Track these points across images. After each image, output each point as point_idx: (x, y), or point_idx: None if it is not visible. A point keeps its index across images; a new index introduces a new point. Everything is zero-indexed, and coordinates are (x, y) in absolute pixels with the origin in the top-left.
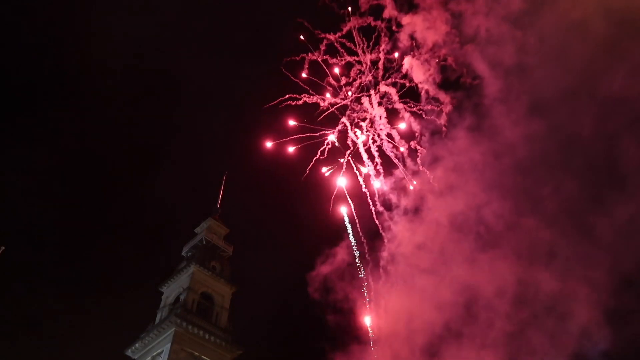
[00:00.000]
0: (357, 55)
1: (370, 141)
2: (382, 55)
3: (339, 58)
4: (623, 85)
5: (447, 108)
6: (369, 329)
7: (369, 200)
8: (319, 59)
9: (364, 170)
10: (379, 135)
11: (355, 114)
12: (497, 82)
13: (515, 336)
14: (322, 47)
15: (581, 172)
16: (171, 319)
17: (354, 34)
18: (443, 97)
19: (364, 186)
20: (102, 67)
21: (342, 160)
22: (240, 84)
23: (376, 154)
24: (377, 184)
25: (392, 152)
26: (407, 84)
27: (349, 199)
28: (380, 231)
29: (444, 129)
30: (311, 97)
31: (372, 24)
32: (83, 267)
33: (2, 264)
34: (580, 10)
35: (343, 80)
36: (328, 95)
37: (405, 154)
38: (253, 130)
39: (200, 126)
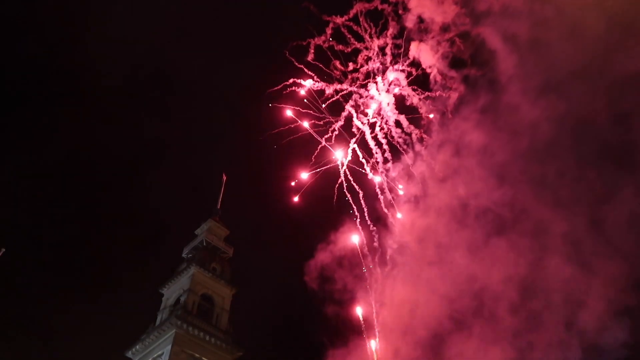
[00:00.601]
0: (364, 41)
1: (377, 128)
2: (389, 41)
3: (345, 45)
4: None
5: (457, 91)
6: (374, 326)
7: (378, 190)
8: (325, 45)
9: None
10: (386, 122)
11: (361, 99)
12: (510, 59)
13: (525, 328)
14: (329, 31)
15: (594, 156)
16: (171, 321)
17: (361, 19)
18: (454, 77)
19: (370, 174)
20: (102, 66)
21: (348, 148)
22: (241, 80)
23: (383, 141)
24: (378, 178)
25: (400, 137)
26: (414, 72)
27: (355, 186)
28: (390, 219)
29: (449, 116)
30: (316, 84)
31: (379, 7)
32: (83, 268)
33: (2, 265)
34: None
35: (350, 67)
36: (333, 82)
37: (415, 140)
38: (254, 128)
39: (200, 126)
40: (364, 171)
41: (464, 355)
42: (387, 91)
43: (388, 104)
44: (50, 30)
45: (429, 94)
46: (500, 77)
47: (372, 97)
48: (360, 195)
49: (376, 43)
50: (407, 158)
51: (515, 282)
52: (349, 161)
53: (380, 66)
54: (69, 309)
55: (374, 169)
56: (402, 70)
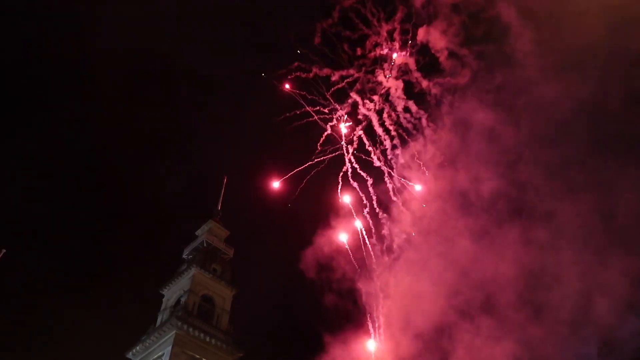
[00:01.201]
0: (371, 26)
1: (385, 114)
2: (397, 25)
3: (352, 31)
4: None
5: (470, 68)
6: (374, 323)
7: (386, 179)
8: (332, 30)
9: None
10: (394, 109)
11: (369, 84)
12: (525, 35)
13: (536, 321)
14: (335, 14)
15: (609, 140)
16: (172, 322)
17: (368, 4)
18: (466, 55)
19: (378, 163)
20: (101, 60)
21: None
22: (245, 64)
23: (391, 128)
24: (379, 168)
25: (409, 123)
26: (423, 58)
27: (363, 174)
28: (398, 206)
29: (458, 98)
30: (322, 69)
31: None
32: (83, 269)
33: (2, 266)
34: None
35: (357, 52)
36: (340, 68)
37: (424, 124)
38: (257, 123)
39: (200, 126)
40: (370, 159)
41: (471, 349)
42: (395, 77)
43: (396, 89)
44: (47, 24)
45: (438, 80)
46: (515, 54)
47: (379, 83)
48: (369, 182)
49: (385, 28)
50: (416, 144)
51: (526, 272)
52: (355, 149)
53: (389, 52)
54: (69, 310)
55: (382, 155)
56: (411, 55)
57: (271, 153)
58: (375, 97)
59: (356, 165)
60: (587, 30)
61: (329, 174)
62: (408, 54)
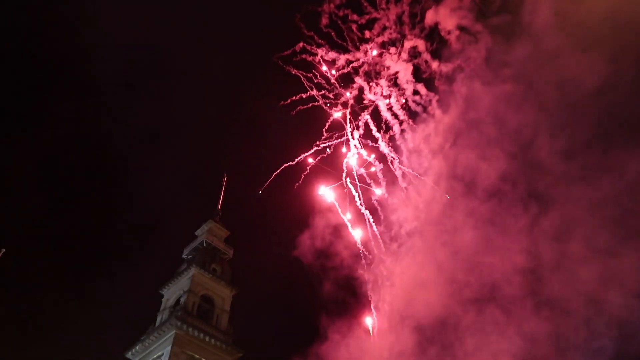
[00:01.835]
0: (378, 9)
1: (393, 100)
2: (406, 7)
3: (359, 15)
4: None
5: (483, 43)
6: (374, 320)
7: (393, 165)
8: (340, 14)
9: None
10: (402, 94)
11: (376, 66)
12: (544, 5)
13: (551, 314)
14: None
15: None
16: (171, 322)
17: None
18: (479, 32)
19: (386, 149)
20: (97, 54)
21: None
22: (248, 47)
23: (399, 113)
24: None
25: (418, 106)
26: (432, 41)
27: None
28: (407, 193)
29: (468, 79)
30: (328, 52)
31: None
32: (82, 269)
33: (1, 266)
34: None
35: (364, 35)
36: (346, 51)
37: (433, 107)
38: (255, 126)
39: (200, 127)
40: (376, 145)
41: (478, 342)
42: (405, 60)
43: (405, 72)
44: (44, 19)
45: (448, 60)
46: (532, 25)
47: (387, 68)
48: (378, 168)
49: (393, 11)
50: (426, 127)
51: (536, 261)
52: (362, 135)
53: (398, 35)
54: (69, 310)
55: (389, 140)
56: (420, 37)
57: (274, 140)
58: (383, 82)
59: (363, 151)
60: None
61: (334, 162)
62: (417, 36)
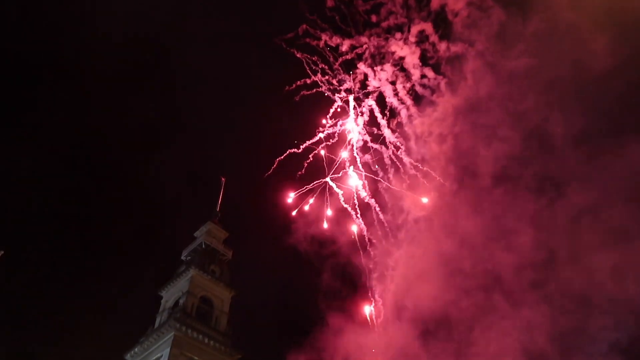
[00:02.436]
0: None
1: (399, 85)
2: None
3: (363, 1)
4: None
5: (496, 18)
6: (372, 314)
7: (398, 152)
8: None
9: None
10: (408, 79)
11: (382, 49)
12: None
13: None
14: None
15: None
16: (170, 323)
17: None
18: (492, 6)
19: (393, 138)
20: (97, 51)
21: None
22: (245, 68)
23: (407, 98)
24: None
25: (428, 88)
26: (440, 24)
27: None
28: (414, 181)
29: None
30: (332, 38)
31: None
32: (81, 271)
33: (1, 268)
34: None
35: (369, 19)
36: (351, 36)
37: (442, 91)
38: (255, 123)
39: (200, 126)
40: (381, 132)
41: (489, 337)
42: (414, 42)
43: (412, 56)
44: (42, 15)
45: (454, 43)
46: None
47: (393, 53)
48: (386, 154)
49: None
50: (435, 111)
51: (547, 249)
52: (367, 122)
53: (405, 20)
54: (67, 311)
55: (397, 127)
56: (427, 21)
57: (277, 127)
58: (389, 67)
59: (367, 138)
60: None
61: (338, 149)
62: (425, 19)
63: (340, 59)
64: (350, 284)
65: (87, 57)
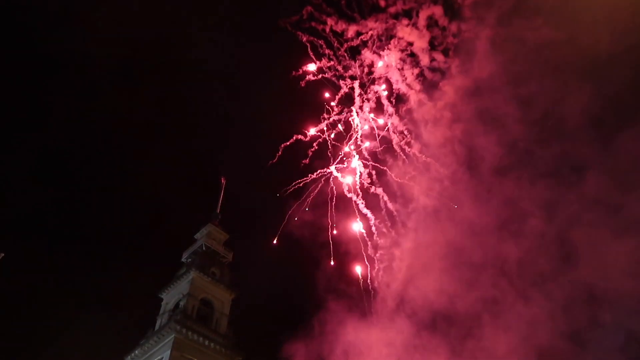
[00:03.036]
0: None
1: (409, 72)
2: None
3: None
4: None
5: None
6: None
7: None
8: None
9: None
10: (417, 64)
11: (391, 31)
12: None
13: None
14: None
15: None
16: (171, 326)
17: None
18: None
19: (398, 123)
20: (95, 48)
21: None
22: (246, 65)
23: (417, 84)
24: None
25: (438, 71)
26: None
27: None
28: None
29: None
30: (338, 23)
31: None
32: (82, 273)
33: (1, 269)
34: None
35: (381, 4)
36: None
37: (452, 74)
38: (256, 124)
39: (199, 127)
40: (388, 120)
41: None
42: (422, 27)
43: (421, 40)
44: (43, 13)
45: (464, 24)
46: None
47: (400, 38)
48: (393, 142)
49: None
50: (445, 95)
51: (559, 238)
52: (373, 108)
53: (414, 4)
54: (68, 314)
55: (406, 114)
56: (438, 4)
57: (281, 114)
58: (396, 53)
59: (374, 125)
60: None
61: (343, 138)
62: (435, 3)
63: (345, 45)
64: (354, 279)
65: (84, 55)
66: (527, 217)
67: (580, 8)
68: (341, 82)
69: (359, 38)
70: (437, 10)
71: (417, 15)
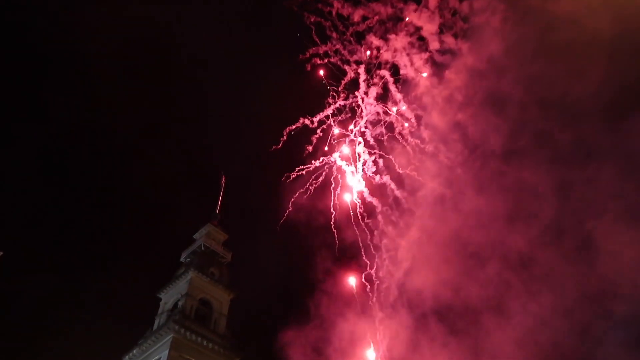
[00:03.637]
0: None
1: (417, 57)
2: None
3: None
4: None
5: None
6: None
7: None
8: None
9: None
10: (426, 49)
11: (399, 14)
12: None
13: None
14: None
15: None
16: (169, 326)
17: None
18: None
19: (405, 109)
20: (95, 45)
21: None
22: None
23: (425, 69)
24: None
25: (448, 52)
26: None
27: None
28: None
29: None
30: (344, 6)
31: None
32: (80, 272)
33: (0, 269)
34: None
35: None
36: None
37: (462, 56)
38: (258, 111)
39: (199, 127)
40: (395, 105)
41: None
42: (429, 12)
43: (431, 23)
44: (42, 9)
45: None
46: None
47: (408, 23)
48: (401, 128)
49: None
50: (456, 77)
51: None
52: (379, 93)
53: None
54: (66, 313)
55: (415, 99)
56: None
57: (286, 99)
58: (403, 37)
59: (379, 110)
60: None
61: (348, 124)
62: None
63: (351, 29)
64: (356, 273)
65: (83, 53)
66: (538, 205)
67: None
68: (346, 67)
69: (365, 23)
70: None
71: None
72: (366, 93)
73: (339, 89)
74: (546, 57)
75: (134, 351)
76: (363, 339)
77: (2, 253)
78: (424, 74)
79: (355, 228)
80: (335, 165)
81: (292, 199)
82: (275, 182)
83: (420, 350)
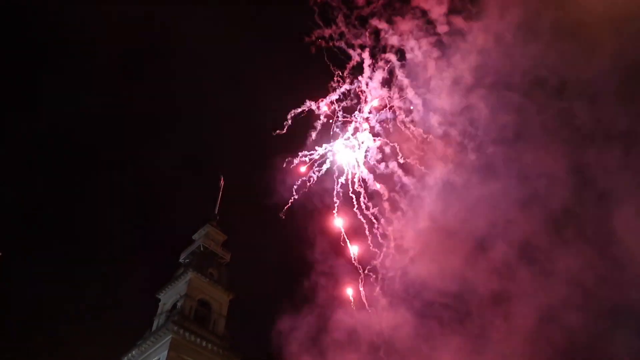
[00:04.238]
0: None
1: (424, 40)
2: None
3: None
4: None
5: None
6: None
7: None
8: None
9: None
10: (434, 32)
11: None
12: None
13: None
14: None
15: None
16: (168, 326)
17: None
18: None
19: (411, 96)
20: (93, 38)
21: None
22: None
23: (433, 52)
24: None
25: (457, 34)
26: None
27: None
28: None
29: None
30: None
31: None
32: (79, 273)
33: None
34: None
35: None
36: None
37: (471, 39)
38: (256, 123)
39: (199, 127)
40: (401, 91)
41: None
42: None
43: (436, 10)
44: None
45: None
46: None
47: (414, 8)
48: (405, 115)
49: None
50: (457, 65)
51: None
52: (385, 78)
53: None
54: (64, 314)
55: (421, 85)
56: None
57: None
58: (409, 20)
59: (384, 95)
60: None
61: (352, 111)
62: None
63: (355, 12)
64: (359, 266)
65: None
66: (551, 190)
67: None
68: (351, 51)
69: (370, 7)
70: None
71: None
72: (371, 78)
73: (344, 74)
74: (557, 36)
75: (133, 352)
76: (363, 339)
77: (1, 254)
78: (430, 57)
79: (360, 217)
80: (338, 153)
81: (295, 186)
82: (277, 172)
83: (428, 341)
